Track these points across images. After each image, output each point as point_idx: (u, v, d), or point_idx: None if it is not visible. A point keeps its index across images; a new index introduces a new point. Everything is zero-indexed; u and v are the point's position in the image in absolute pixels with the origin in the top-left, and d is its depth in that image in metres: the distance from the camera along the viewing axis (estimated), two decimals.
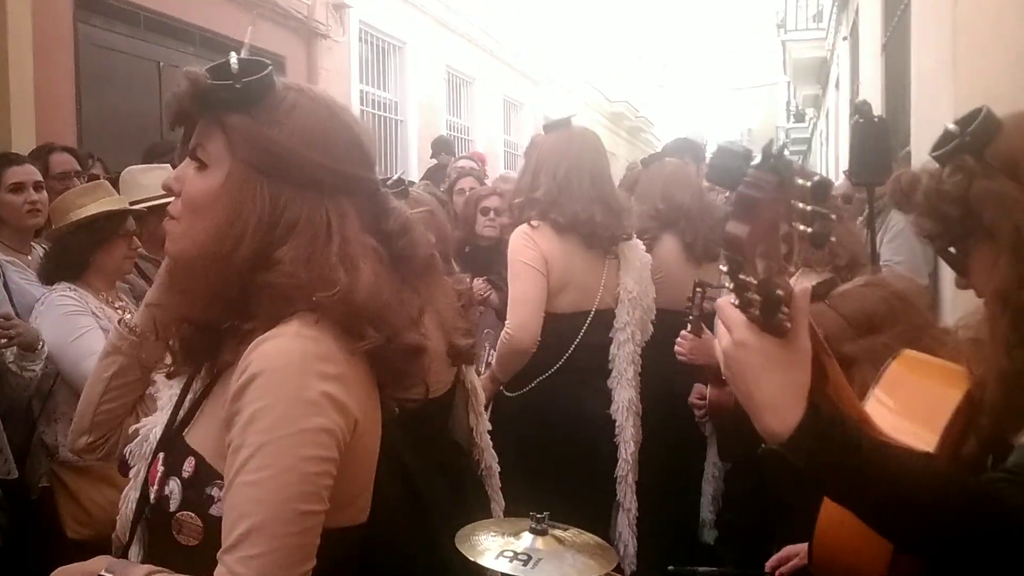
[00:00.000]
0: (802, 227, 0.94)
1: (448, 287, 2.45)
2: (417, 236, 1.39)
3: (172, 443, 1.31)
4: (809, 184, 0.93)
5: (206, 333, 1.34)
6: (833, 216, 0.93)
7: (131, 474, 1.43)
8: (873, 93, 8.43)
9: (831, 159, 15.81)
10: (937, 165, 1.29)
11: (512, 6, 14.46)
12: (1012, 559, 1.06)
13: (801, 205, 0.94)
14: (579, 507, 2.37)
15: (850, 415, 1.11)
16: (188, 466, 1.24)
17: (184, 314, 1.34)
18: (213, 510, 1.20)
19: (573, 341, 3.03)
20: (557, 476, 2.86)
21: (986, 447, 1.25)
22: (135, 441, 1.42)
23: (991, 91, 3.53)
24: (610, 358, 3.06)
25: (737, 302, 0.98)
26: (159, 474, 1.28)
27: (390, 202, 1.39)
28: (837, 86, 14.95)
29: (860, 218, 4.57)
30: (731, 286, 0.95)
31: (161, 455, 1.31)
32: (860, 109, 3.82)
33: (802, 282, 3.34)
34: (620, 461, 3.01)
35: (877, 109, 5.18)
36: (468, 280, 2.74)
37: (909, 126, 5.99)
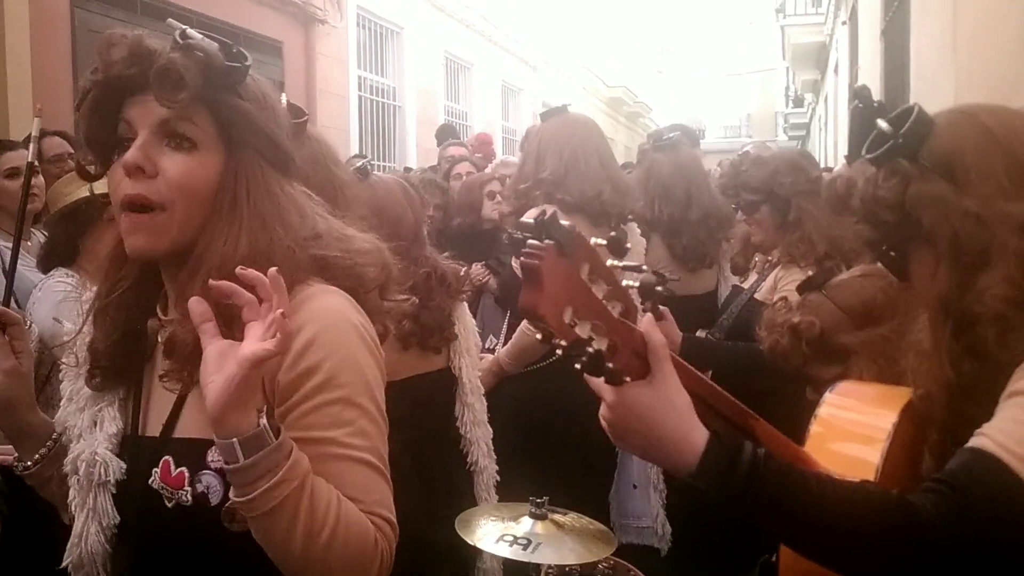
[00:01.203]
0: (629, 283, 1.01)
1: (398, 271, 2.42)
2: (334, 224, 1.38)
3: (169, 443, 1.25)
4: (604, 242, 1.00)
5: (132, 338, 1.31)
6: (644, 267, 1.02)
7: (83, 506, 1.29)
8: (872, 78, 8.42)
9: (830, 144, 15.79)
10: (871, 168, 1.24)
11: None
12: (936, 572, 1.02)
13: (614, 263, 1.00)
14: (574, 494, 2.36)
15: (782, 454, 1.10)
16: (215, 456, 1.18)
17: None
18: None
19: None
20: (552, 464, 2.85)
21: (941, 463, 1.17)
22: (81, 471, 1.29)
23: (991, 75, 3.53)
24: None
25: (578, 367, 0.99)
26: (186, 476, 1.21)
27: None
28: (836, 71, 14.92)
29: None
30: (559, 353, 0.97)
31: (167, 459, 1.23)
32: (859, 94, 3.79)
33: (786, 278, 3.30)
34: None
35: (876, 94, 5.17)
36: (458, 264, 2.69)
37: None
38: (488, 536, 1.94)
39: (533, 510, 2.00)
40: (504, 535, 1.93)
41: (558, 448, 2.91)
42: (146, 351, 1.34)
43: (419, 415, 2.45)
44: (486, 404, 2.63)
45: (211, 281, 1.10)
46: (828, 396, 1.40)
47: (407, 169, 7.25)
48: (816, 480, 1.06)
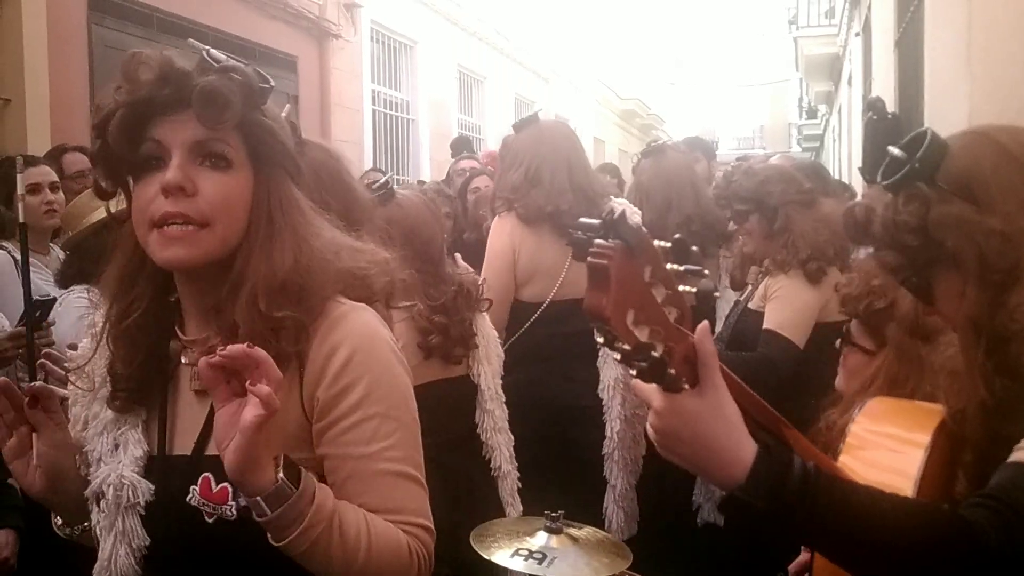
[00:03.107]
0: (685, 288, 0.99)
1: (426, 290, 2.44)
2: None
3: (204, 460, 1.26)
4: (669, 245, 0.98)
5: (154, 360, 1.33)
6: (706, 272, 1.00)
7: (110, 529, 1.30)
8: (886, 89, 8.39)
9: (844, 156, 15.74)
10: (888, 194, 1.22)
11: (523, 4, 14.46)
12: None
13: (674, 267, 0.98)
14: (566, 496, 2.35)
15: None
16: None
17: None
18: None
19: (537, 330, 3.08)
20: (538, 462, 2.85)
21: (976, 483, 1.17)
22: (109, 495, 1.29)
23: (1006, 86, 3.51)
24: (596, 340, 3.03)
25: (634, 372, 0.97)
26: (229, 491, 1.23)
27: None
28: (850, 82, 14.88)
29: None
30: (617, 358, 0.96)
31: (207, 476, 1.24)
32: (873, 106, 3.81)
33: (773, 285, 3.33)
34: (605, 439, 3.04)
35: (890, 105, 5.16)
36: (472, 273, 2.72)
37: (923, 122, 5.95)
38: (503, 550, 1.93)
39: (548, 524, 1.99)
40: (519, 549, 1.93)
41: (538, 454, 2.90)
42: (167, 372, 1.35)
43: (438, 420, 2.47)
44: (507, 412, 2.65)
45: (218, 350, 1.12)
46: (859, 413, 1.39)
47: (420, 182, 7.27)
48: (868, 494, 1.05)
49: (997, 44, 3.85)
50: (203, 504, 1.24)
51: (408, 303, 2.38)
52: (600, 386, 3.06)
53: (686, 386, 1.00)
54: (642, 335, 0.93)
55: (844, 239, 3.17)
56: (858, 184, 7.39)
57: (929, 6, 5.98)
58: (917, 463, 1.20)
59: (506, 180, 3.15)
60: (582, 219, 0.98)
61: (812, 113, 26.55)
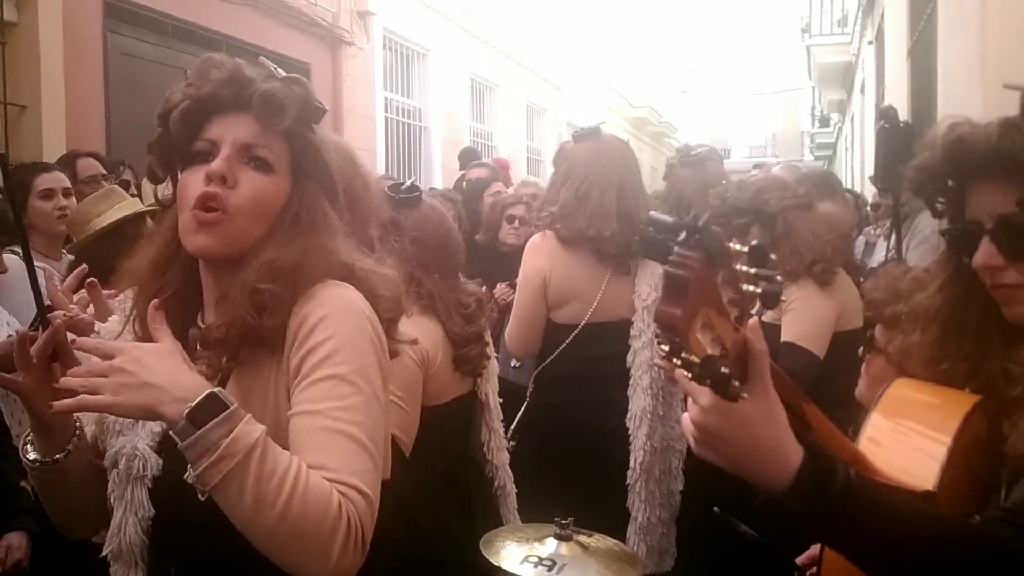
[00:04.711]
0: (751, 288, 0.94)
1: (456, 297, 2.46)
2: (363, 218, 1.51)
3: None
4: (746, 249, 0.93)
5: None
6: (778, 277, 0.94)
7: (121, 499, 1.37)
8: (899, 98, 8.37)
9: (856, 164, 15.70)
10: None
11: (535, 12, 14.49)
12: None
13: (745, 269, 0.94)
14: (595, 521, 2.35)
15: (843, 459, 1.08)
16: None
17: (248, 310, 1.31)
18: None
19: (570, 353, 3.03)
20: (565, 486, 2.83)
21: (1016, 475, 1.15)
22: (121, 465, 1.37)
23: (1020, 93, 3.49)
24: (628, 367, 3.04)
25: (689, 375, 0.94)
26: None
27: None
28: (862, 91, 14.85)
29: (886, 223, 4.53)
30: (678, 363, 0.92)
31: None
32: (886, 114, 3.79)
33: (789, 297, 3.28)
34: (629, 469, 2.96)
35: (903, 114, 5.14)
36: (480, 286, 2.72)
37: None
38: (512, 557, 1.93)
39: (558, 531, 1.99)
40: (529, 556, 1.93)
41: (565, 473, 2.88)
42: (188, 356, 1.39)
43: (452, 437, 2.51)
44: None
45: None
46: (885, 393, 1.35)
47: (432, 189, 7.29)
48: (907, 508, 1.06)
49: (1011, 52, 3.84)
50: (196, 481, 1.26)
51: (443, 317, 2.41)
52: (628, 415, 2.98)
53: (744, 396, 0.97)
54: (705, 339, 0.90)
55: (844, 238, 3.17)
56: (869, 192, 7.36)
57: (942, 15, 5.96)
58: (942, 453, 1.17)
59: (556, 193, 3.09)
60: (653, 214, 0.94)
61: (824, 121, 26.48)
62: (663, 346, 0.92)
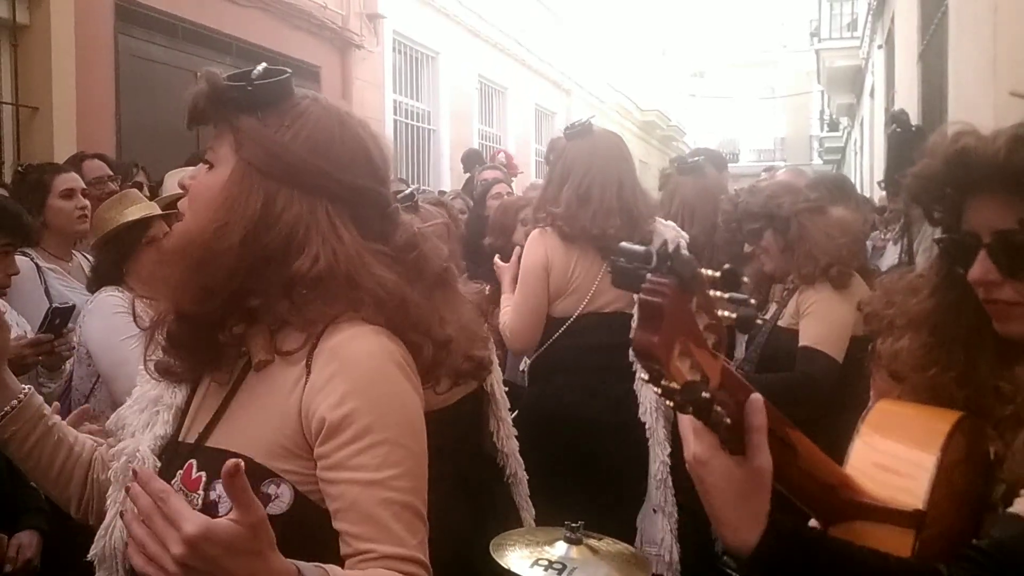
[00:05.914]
0: (725, 314, 0.95)
1: (464, 299, 2.45)
2: (428, 250, 1.42)
3: (199, 449, 1.30)
4: (719, 274, 0.94)
5: (200, 337, 1.33)
6: (752, 300, 0.95)
7: (115, 501, 1.36)
8: (909, 102, 8.34)
9: (865, 169, 15.66)
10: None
11: (544, 16, 14.50)
12: None
13: (717, 294, 0.95)
14: (584, 510, 2.34)
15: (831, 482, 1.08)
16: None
17: (171, 307, 1.31)
18: (272, 508, 1.20)
19: (562, 343, 3.05)
20: (563, 480, 2.82)
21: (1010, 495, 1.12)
22: (119, 464, 1.36)
23: None
24: (631, 360, 3.01)
25: (671, 404, 0.94)
26: (202, 480, 1.26)
27: (399, 216, 1.43)
28: (872, 95, 14.81)
29: (895, 227, 4.52)
30: (658, 391, 0.92)
31: (192, 463, 1.28)
32: (897, 118, 3.78)
33: (807, 300, 3.27)
34: (657, 463, 2.93)
35: (914, 118, 5.13)
36: (484, 288, 2.72)
37: None
38: (522, 560, 1.93)
39: (568, 534, 1.99)
40: (539, 559, 1.92)
41: (561, 469, 2.88)
42: (215, 362, 1.37)
43: (461, 437, 2.49)
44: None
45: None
46: (868, 416, 1.33)
47: (441, 192, 7.30)
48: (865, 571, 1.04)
49: (1022, 56, 3.82)
50: (181, 489, 1.26)
51: None
52: (641, 409, 2.96)
53: (727, 420, 0.96)
54: (683, 366, 0.91)
55: (858, 241, 3.16)
56: (877, 197, 7.34)
57: (953, 19, 5.94)
58: (928, 472, 1.15)
59: (556, 191, 3.08)
60: (624, 245, 0.95)
61: (834, 126, 26.43)
62: (643, 375, 0.93)
